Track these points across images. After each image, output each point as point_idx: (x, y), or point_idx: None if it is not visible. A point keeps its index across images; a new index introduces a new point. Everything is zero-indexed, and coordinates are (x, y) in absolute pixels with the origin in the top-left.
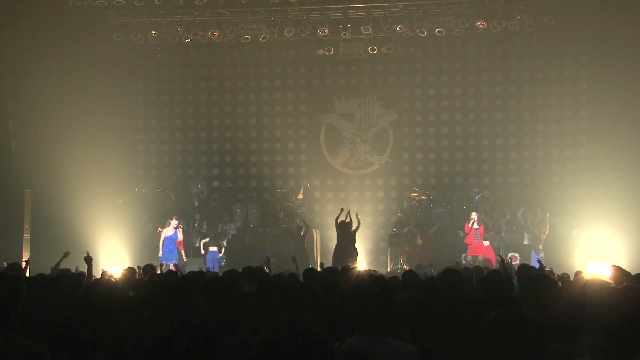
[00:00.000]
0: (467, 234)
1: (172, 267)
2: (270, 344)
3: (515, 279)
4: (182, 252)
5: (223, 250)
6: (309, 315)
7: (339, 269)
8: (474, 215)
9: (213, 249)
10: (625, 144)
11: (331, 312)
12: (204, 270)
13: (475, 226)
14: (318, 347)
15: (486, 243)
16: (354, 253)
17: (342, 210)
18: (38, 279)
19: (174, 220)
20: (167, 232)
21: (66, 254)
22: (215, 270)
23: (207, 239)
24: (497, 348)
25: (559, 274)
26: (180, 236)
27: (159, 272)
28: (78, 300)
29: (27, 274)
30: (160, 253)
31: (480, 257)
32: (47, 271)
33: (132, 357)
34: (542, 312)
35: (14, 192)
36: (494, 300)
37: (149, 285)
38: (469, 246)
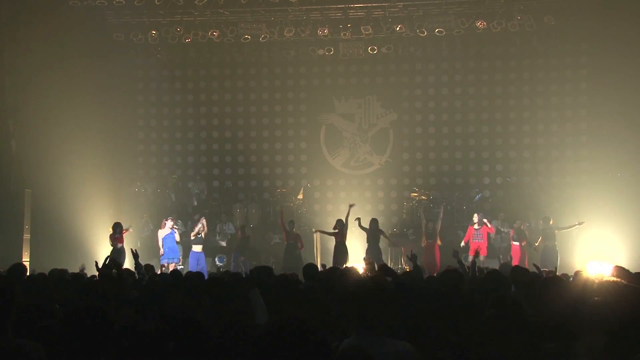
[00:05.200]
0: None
1: (172, 266)
2: (268, 341)
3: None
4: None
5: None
6: (307, 313)
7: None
8: (475, 217)
9: (197, 248)
10: (625, 144)
11: (329, 311)
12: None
13: (476, 227)
14: (316, 345)
15: (515, 243)
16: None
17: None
18: (39, 278)
19: (169, 220)
20: (163, 232)
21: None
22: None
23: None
24: (494, 347)
25: (559, 274)
26: (177, 237)
27: (159, 272)
28: (76, 299)
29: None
30: (162, 252)
31: (481, 258)
32: (48, 271)
33: (131, 356)
34: (541, 312)
35: (14, 192)
36: (492, 301)
37: (149, 284)
38: (469, 246)
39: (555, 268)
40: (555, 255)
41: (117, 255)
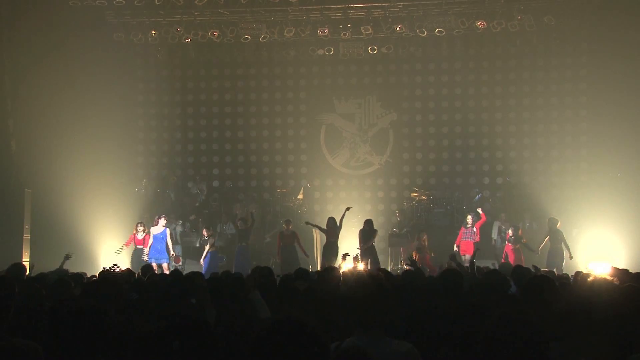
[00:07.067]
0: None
1: (165, 267)
2: (266, 341)
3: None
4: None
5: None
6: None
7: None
8: (468, 218)
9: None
10: (625, 144)
11: (330, 312)
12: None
13: (468, 225)
14: (314, 345)
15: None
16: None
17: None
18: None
19: (162, 219)
20: (155, 230)
21: (67, 257)
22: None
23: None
24: (500, 348)
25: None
26: (167, 238)
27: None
28: (77, 299)
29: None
30: (146, 252)
31: (467, 256)
32: (47, 271)
33: (130, 356)
34: (542, 312)
35: (14, 192)
36: (495, 300)
37: (149, 285)
38: (460, 247)
39: (561, 269)
40: (562, 256)
41: (135, 255)
